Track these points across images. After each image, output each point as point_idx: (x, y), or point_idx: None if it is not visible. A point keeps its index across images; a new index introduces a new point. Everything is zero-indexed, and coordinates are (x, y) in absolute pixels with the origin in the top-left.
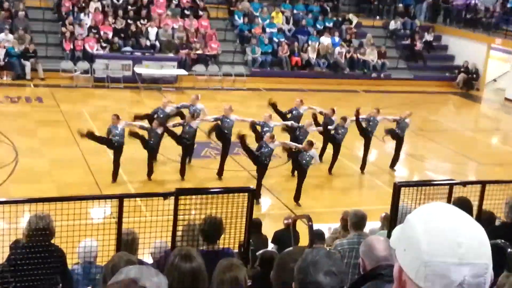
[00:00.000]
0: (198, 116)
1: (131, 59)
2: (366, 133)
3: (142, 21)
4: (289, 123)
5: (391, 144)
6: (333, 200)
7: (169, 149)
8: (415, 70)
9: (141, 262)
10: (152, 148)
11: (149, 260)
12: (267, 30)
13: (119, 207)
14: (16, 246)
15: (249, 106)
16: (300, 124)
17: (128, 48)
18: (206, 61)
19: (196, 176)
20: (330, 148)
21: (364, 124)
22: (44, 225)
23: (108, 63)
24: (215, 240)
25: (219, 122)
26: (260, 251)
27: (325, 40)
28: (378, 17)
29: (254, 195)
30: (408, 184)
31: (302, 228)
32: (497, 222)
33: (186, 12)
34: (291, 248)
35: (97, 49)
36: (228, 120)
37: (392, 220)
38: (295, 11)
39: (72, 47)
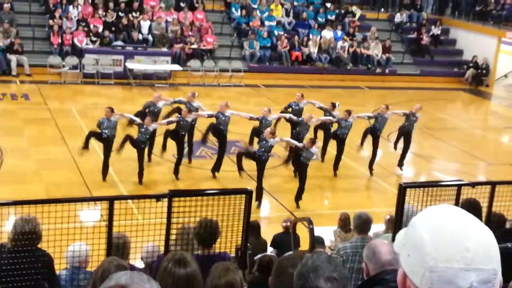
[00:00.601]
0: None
1: (122, 54)
2: (373, 132)
3: (134, 14)
4: (287, 115)
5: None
6: (335, 202)
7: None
8: (421, 65)
9: (132, 267)
10: (140, 146)
11: (141, 265)
12: (266, 23)
13: (110, 210)
14: (0, 250)
15: (247, 103)
16: (300, 118)
17: (119, 43)
18: (202, 56)
19: (191, 176)
20: (333, 149)
21: (371, 122)
22: (30, 228)
23: (98, 58)
24: (211, 244)
25: (213, 122)
26: (258, 256)
27: (327, 33)
28: (382, 9)
29: (251, 196)
30: (414, 185)
31: (302, 231)
32: (507, 225)
33: (181, 4)
34: (290, 252)
35: (86, 44)
36: (223, 117)
37: (397, 223)
38: (295, 3)
39: (60, 41)
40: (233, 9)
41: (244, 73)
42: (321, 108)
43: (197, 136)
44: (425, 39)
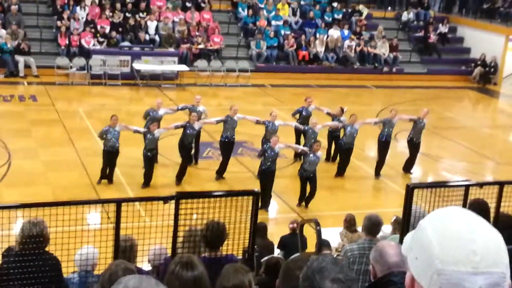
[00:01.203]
0: (200, 117)
1: (129, 55)
2: (386, 141)
3: (141, 14)
4: (293, 123)
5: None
6: (342, 203)
7: (170, 150)
8: (429, 63)
9: (140, 270)
10: (148, 154)
11: (148, 267)
12: (273, 22)
13: (117, 212)
14: (8, 254)
15: (253, 103)
16: (306, 127)
17: (126, 43)
18: (209, 56)
19: (198, 178)
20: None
21: (380, 127)
22: (38, 231)
23: (105, 59)
24: (218, 246)
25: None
26: (265, 258)
27: (334, 32)
28: (389, 8)
29: (258, 198)
30: (422, 186)
31: (310, 232)
32: None
33: (187, 4)
34: (297, 254)
35: (93, 44)
36: (231, 120)
37: (404, 224)
38: (302, 3)
39: (67, 42)
40: (240, 9)
41: (251, 73)
42: (328, 114)
43: (204, 137)
44: (432, 38)
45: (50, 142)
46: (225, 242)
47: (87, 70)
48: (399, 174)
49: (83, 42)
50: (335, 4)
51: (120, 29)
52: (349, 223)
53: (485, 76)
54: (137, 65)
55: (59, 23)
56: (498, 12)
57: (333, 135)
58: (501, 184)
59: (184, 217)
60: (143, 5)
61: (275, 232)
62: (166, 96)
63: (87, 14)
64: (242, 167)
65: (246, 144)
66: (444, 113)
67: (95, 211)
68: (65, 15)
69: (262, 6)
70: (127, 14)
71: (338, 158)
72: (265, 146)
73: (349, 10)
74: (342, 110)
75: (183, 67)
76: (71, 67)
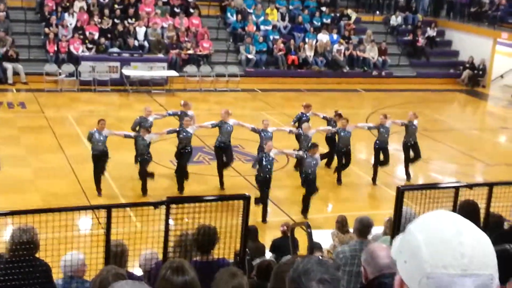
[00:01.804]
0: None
1: (118, 61)
2: (382, 147)
3: (129, 21)
4: (287, 129)
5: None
6: (335, 206)
7: (161, 154)
8: (417, 67)
9: (131, 275)
10: (143, 158)
11: (139, 272)
12: (262, 27)
13: (107, 218)
14: None
15: (243, 107)
16: (300, 131)
17: (115, 49)
18: (198, 61)
19: (189, 183)
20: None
21: (374, 133)
22: (28, 238)
23: (94, 65)
24: (209, 250)
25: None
26: (257, 260)
27: (323, 37)
28: (378, 12)
29: (249, 202)
30: (412, 188)
31: (301, 235)
32: (506, 226)
33: (176, 10)
34: (288, 256)
35: (82, 51)
36: (226, 125)
37: (395, 225)
38: (290, 7)
39: (56, 49)
40: (229, 14)
41: (240, 77)
42: (325, 118)
43: (194, 142)
44: (421, 41)
45: (40, 149)
46: (217, 246)
47: (76, 77)
48: (390, 176)
49: (71, 48)
50: (323, 9)
51: (109, 35)
52: (341, 224)
53: (474, 79)
54: (126, 71)
55: (47, 29)
56: (485, 16)
57: (330, 139)
58: (490, 185)
59: (175, 222)
60: (131, 11)
61: (267, 236)
62: (156, 102)
63: (76, 21)
64: (234, 172)
65: (237, 148)
66: (434, 115)
67: (86, 217)
68: (53, 22)
69: (251, 11)
70: (116, 20)
71: (336, 162)
72: (259, 155)
73: (338, 15)
74: (340, 115)
75: (173, 73)
76: (60, 74)
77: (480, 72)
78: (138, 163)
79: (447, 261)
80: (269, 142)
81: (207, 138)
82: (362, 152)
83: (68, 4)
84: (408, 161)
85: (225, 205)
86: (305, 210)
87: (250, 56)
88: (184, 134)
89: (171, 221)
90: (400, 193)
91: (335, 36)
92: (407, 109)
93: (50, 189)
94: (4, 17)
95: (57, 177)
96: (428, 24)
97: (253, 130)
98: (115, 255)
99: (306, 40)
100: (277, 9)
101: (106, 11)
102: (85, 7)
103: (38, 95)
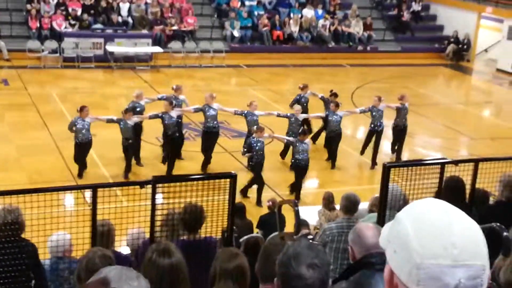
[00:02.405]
0: (177, 106)
1: (102, 37)
2: (376, 131)
3: None
4: (275, 112)
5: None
6: (322, 182)
7: (147, 133)
8: (402, 42)
9: (118, 254)
10: (126, 141)
11: (127, 250)
12: (246, 3)
13: (93, 197)
14: None
15: (228, 83)
16: (289, 114)
17: (99, 25)
18: (183, 37)
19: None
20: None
21: (368, 116)
22: (13, 218)
23: (77, 42)
24: (196, 229)
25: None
26: (245, 237)
27: (308, 12)
28: None
29: (236, 180)
30: (398, 165)
31: (289, 211)
32: (491, 201)
33: None
34: (275, 234)
35: (65, 27)
36: (211, 109)
37: (382, 203)
38: None
39: (38, 25)
40: None
41: (225, 53)
42: (322, 98)
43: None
44: (406, 16)
45: (24, 127)
46: (204, 225)
47: (59, 53)
48: (379, 152)
49: (54, 25)
50: None
51: (92, 11)
52: (328, 201)
53: (458, 53)
54: (110, 48)
55: (29, 6)
56: None
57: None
58: (476, 162)
59: (162, 201)
60: None
61: (256, 212)
62: (141, 78)
63: None
64: (219, 147)
65: (223, 124)
66: (418, 90)
67: (72, 196)
68: None
69: None
70: None
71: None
72: (249, 139)
73: None
74: (335, 94)
75: (157, 49)
76: (43, 50)
77: (465, 47)
78: (123, 145)
79: (437, 251)
80: (257, 130)
81: (193, 115)
82: (356, 134)
83: None
84: (395, 144)
85: (212, 183)
86: (297, 197)
87: (235, 32)
88: (169, 119)
89: (158, 199)
90: (387, 169)
91: (320, 11)
92: (392, 84)
93: (35, 166)
94: None
95: (42, 154)
96: None
97: (236, 113)
98: (101, 235)
99: (291, 15)
100: None
101: None
102: None
103: (21, 72)
